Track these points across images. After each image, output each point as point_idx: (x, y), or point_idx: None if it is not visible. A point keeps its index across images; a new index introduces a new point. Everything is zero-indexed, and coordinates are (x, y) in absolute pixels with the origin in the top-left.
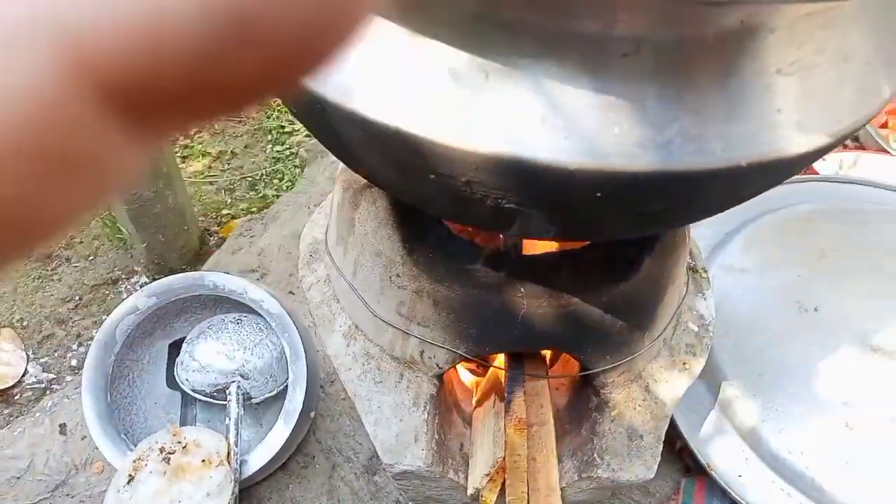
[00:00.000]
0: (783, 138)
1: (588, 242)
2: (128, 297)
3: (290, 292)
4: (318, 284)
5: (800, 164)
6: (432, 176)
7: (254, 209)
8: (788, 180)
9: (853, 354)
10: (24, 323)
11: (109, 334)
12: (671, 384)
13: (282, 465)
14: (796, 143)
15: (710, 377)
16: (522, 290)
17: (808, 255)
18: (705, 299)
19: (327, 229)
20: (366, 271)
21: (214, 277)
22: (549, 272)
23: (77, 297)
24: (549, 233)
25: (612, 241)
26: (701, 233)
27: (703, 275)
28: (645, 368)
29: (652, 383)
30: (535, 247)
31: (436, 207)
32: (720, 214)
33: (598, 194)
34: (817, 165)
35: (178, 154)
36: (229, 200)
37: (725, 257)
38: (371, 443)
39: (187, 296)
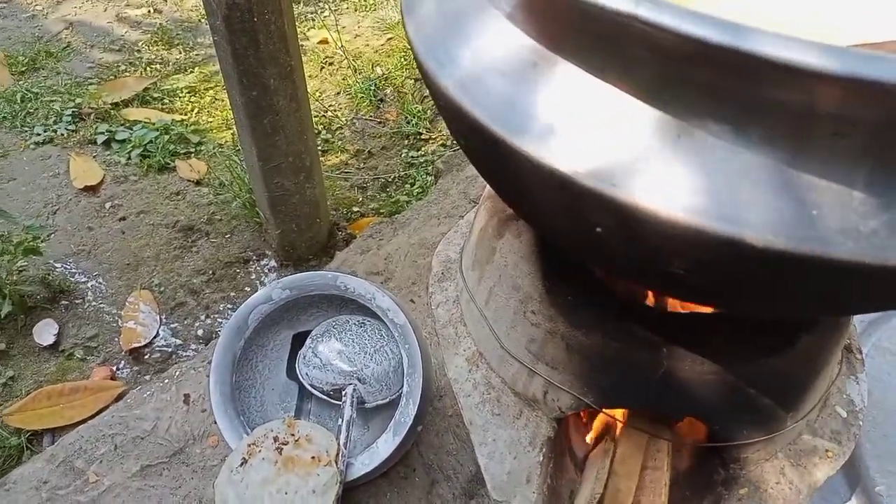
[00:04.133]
0: None
1: None
2: (256, 277)
3: (412, 300)
4: (446, 304)
5: None
6: (599, 229)
7: (383, 210)
8: None
9: None
10: (162, 288)
11: (242, 320)
12: (809, 470)
13: (383, 472)
14: None
15: (849, 466)
16: (665, 349)
17: None
18: (858, 383)
19: (462, 250)
20: (499, 302)
21: (346, 280)
22: (696, 334)
23: (210, 272)
24: (711, 302)
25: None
26: None
27: (858, 356)
28: (783, 449)
29: (788, 467)
30: (684, 305)
31: (591, 256)
32: None
33: (783, 276)
34: None
35: (320, 147)
36: (360, 198)
37: (882, 337)
38: (472, 466)
39: (318, 293)
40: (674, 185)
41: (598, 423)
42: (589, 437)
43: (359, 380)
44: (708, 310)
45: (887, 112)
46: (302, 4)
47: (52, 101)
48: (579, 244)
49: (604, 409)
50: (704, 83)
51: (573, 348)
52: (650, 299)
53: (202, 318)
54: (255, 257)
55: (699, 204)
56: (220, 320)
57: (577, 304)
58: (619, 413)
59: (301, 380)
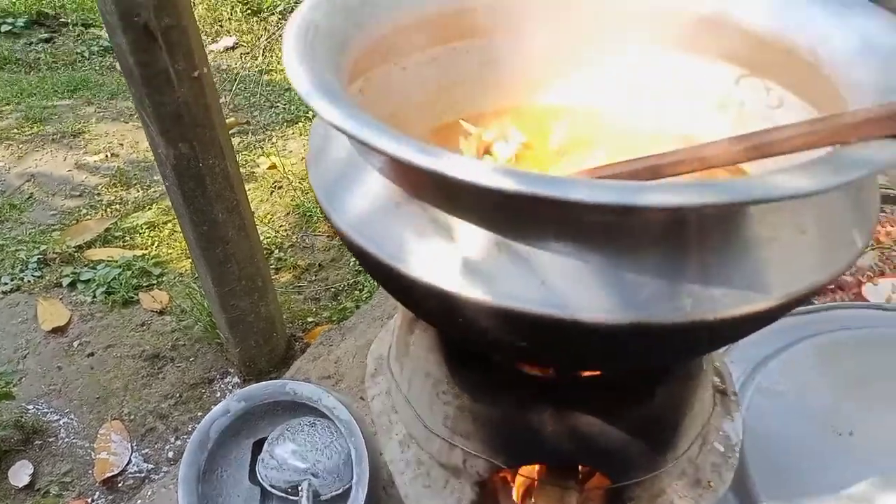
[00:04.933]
0: (747, 298)
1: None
2: (221, 395)
3: (361, 398)
4: (380, 396)
5: (766, 320)
6: (461, 319)
7: (335, 318)
8: (832, 307)
9: (887, 479)
10: (132, 416)
11: (204, 434)
12: (696, 501)
13: None
14: (758, 303)
15: (745, 497)
16: (550, 409)
17: (844, 380)
18: (733, 421)
19: (390, 347)
20: (418, 387)
21: (294, 386)
22: (572, 395)
23: (177, 395)
24: (556, 366)
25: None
26: (739, 355)
27: (733, 398)
28: (670, 485)
29: (677, 499)
30: (560, 371)
31: (468, 341)
32: (758, 337)
33: (590, 340)
34: (868, 291)
35: (273, 266)
36: (314, 309)
37: (763, 380)
38: None
39: (271, 401)
40: (502, 283)
41: (519, 484)
42: (515, 498)
43: (313, 475)
44: (581, 373)
45: (638, 220)
46: (250, 135)
47: (18, 250)
48: (455, 332)
49: (513, 469)
50: (506, 211)
51: (479, 420)
52: (534, 369)
53: (172, 440)
54: (218, 376)
55: (515, 293)
56: (189, 441)
57: (476, 381)
58: (534, 471)
59: (261, 482)
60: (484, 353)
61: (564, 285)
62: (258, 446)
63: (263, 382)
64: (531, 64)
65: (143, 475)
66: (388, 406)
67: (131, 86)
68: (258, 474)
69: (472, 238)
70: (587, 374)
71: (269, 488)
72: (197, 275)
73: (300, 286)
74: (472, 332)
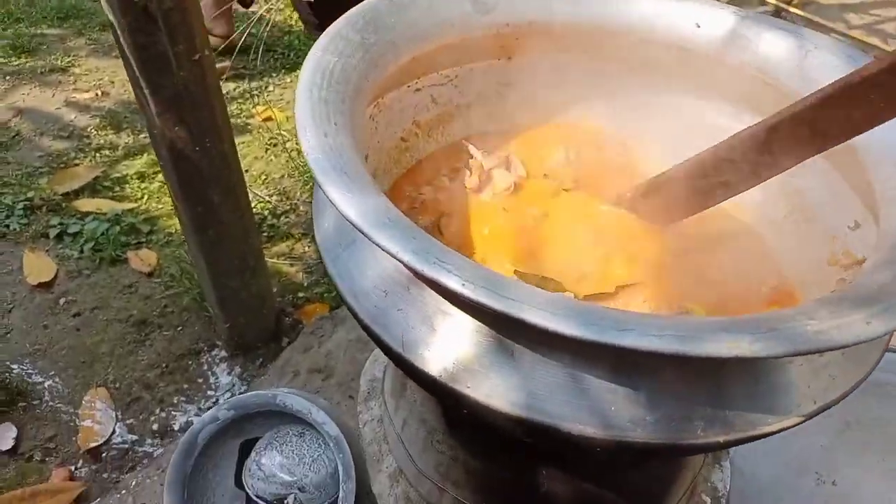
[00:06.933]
0: (759, 421)
1: None
2: (207, 368)
3: (350, 396)
4: (371, 423)
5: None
6: (465, 411)
7: (326, 297)
8: None
9: None
10: (117, 385)
11: (191, 441)
12: None
13: None
14: (769, 426)
15: None
16: (544, 471)
17: (832, 425)
18: (722, 470)
19: (384, 374)
20: (412, 430)
21: (285, 398)
22: (566, 460)
23: (164, 365)
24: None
25: None
26: None
27: None
28: None
29: None
30: None
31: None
32: None
33: (598, 449)
34: None
35: (265, 234)
36: (306, 283)
37: None
38: None
39: (260, 409)
40: (506, 388)
41: None
42: None
43: (299, 489)
44: None
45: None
46: (246, 81)
47: (4, 193)
48: (456, 413)
49: None
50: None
51: (472, 472)
52: None
53: (157, 412)
54: (206, 348)
55: (524, 401)
56: (174, 413)
57: (473, 438)
58: None
59: (247, 490)
60: None
61: (578, 401)
62: (245, 446)
63: (253, 393)
64: (547, 86)
65: (126, 446)
66: (380, 435)
67: (128, 65)
68: (244, 483)
69: (487, 341)
70: None
71: (255, 498)
72: (186, 242)
73: (293, 257)
74: (471, 420)
